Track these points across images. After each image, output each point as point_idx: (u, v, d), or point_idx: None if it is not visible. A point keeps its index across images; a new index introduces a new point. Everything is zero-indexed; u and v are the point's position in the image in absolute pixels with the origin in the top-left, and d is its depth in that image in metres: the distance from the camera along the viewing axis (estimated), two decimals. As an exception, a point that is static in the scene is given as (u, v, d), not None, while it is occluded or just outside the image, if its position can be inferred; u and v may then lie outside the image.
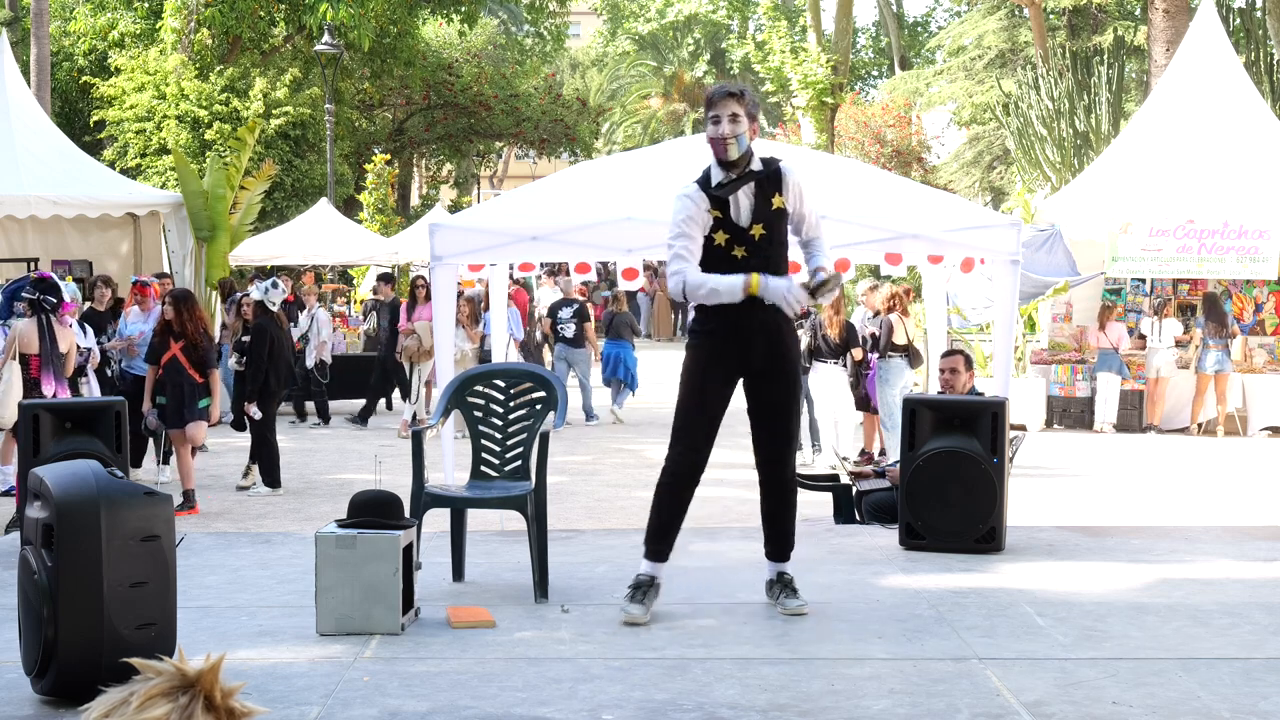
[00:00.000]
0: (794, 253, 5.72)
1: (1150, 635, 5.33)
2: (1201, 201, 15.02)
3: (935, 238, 8.48)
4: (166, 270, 15.35)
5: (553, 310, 16.71)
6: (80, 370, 10.92)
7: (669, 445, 5.58)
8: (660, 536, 5.62)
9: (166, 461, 11.47)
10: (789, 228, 5.59)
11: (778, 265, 5.50)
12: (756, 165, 5.49)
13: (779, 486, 5.64)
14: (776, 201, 5.48)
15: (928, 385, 12.58)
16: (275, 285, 11.39)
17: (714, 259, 5.47)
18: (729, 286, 5.37)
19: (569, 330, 16.00)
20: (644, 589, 5.56)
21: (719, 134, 5.37)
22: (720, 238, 5.43)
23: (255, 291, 11.52)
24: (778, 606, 5.62)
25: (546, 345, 18.12)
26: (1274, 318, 16.21)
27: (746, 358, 5.50)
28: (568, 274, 22.43)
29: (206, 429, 10.33)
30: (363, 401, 17.40)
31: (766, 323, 5.48)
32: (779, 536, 5.69)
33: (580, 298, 17.71)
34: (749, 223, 5.45)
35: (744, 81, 49.30)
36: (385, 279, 18.03)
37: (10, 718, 4.34)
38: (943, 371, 8.23)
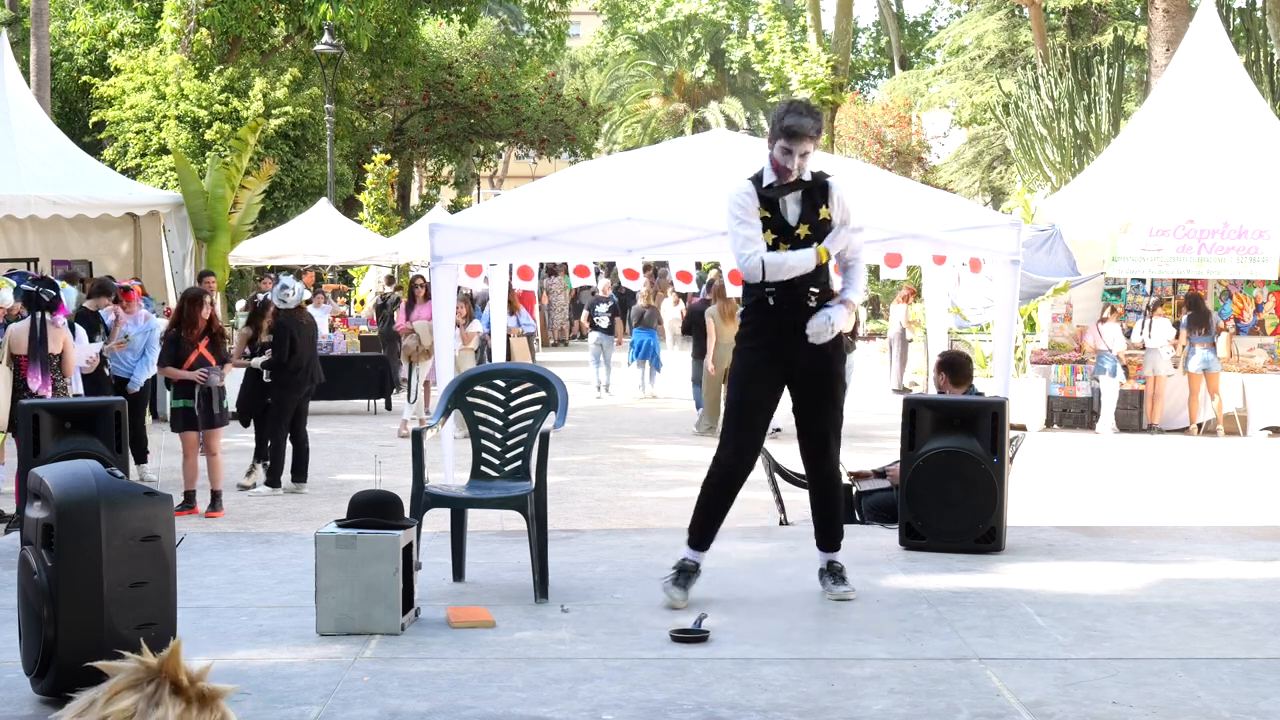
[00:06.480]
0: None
1: (1150, 635, 5.32)
2: (1201, 201, 15.00)
3: (935, 238, 8.48)
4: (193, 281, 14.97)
5: (591, 305, 20.48)
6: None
7: (718, 446, 5.81)
8: (704, 530, 5.85)
9: (145, 460, 11.52)
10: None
11: (820, 270, 5.73)
12: (806, 176, 5.75)
13: (822, 480, 5.89)
14: (823, 213, 5.75)
15: (928, 385, 12.58)
16: (285, 287, 11.42)
17: None
18: (800, 258, 5.62)
19: (604, 322, 19.75)
20: (688, 574, 5.78)
21: (787, 166, 5.66)
22: (767, 237, 5.70)
23: (270, 296, 11.64)
24: (826, 593, 5.85)
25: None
26: (1274, 318, 16.21)
27: (793, 358, 5.71)
28: (598, 275, 25.96)
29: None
30: (365, 401, 17.42)
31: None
32: (824, 525, 5.92)
33: (614, 295, 21.12)
34: (796, 223, 5.72)
35: (744, 82, 48.78)
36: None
37: (10, 718, 4.34)
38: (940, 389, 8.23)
